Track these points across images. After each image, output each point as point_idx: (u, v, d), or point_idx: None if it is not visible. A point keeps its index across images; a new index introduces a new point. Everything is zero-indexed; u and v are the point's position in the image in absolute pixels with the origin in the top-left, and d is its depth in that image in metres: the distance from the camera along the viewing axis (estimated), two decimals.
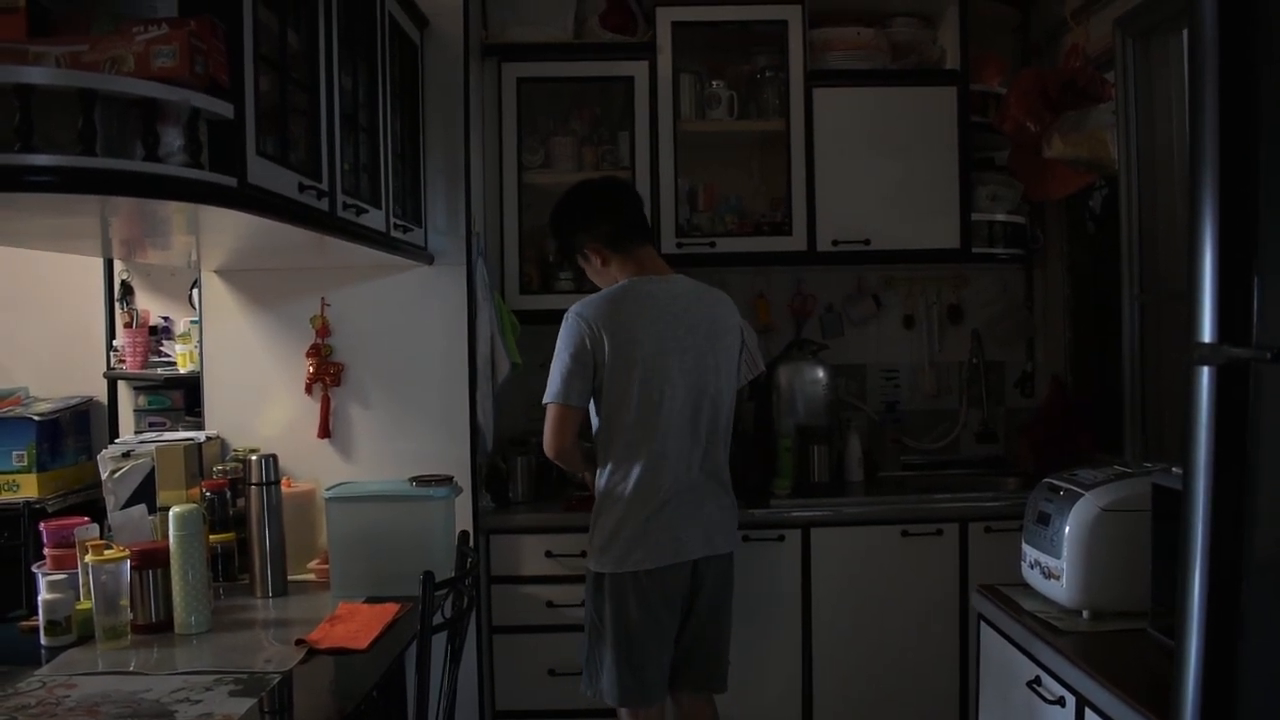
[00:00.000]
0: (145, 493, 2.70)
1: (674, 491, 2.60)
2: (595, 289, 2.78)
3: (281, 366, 2.99)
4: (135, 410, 3.42)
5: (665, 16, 3.47)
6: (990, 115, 3.54)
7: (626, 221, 2.75)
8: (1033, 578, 2.15)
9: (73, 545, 2.26)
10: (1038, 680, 1.95)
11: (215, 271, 2.99)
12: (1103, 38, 3.25)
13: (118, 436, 3.25)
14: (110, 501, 2.70)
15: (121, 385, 3.45)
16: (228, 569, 2.60)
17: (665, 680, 2.67)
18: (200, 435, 2.90)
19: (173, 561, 2.20)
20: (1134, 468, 2.09)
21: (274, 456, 2.58)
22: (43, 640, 2.11)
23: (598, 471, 2.66)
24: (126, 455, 2.74)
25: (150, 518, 2.52)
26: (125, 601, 2.14)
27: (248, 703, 1.77)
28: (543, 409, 3.68)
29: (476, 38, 3.33)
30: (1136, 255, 3.15)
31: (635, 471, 2.59)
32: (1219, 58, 1.27)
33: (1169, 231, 3.10)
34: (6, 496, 3.06)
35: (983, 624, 2.27)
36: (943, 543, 3.23)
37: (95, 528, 2.31)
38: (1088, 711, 1.75)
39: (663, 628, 2.62)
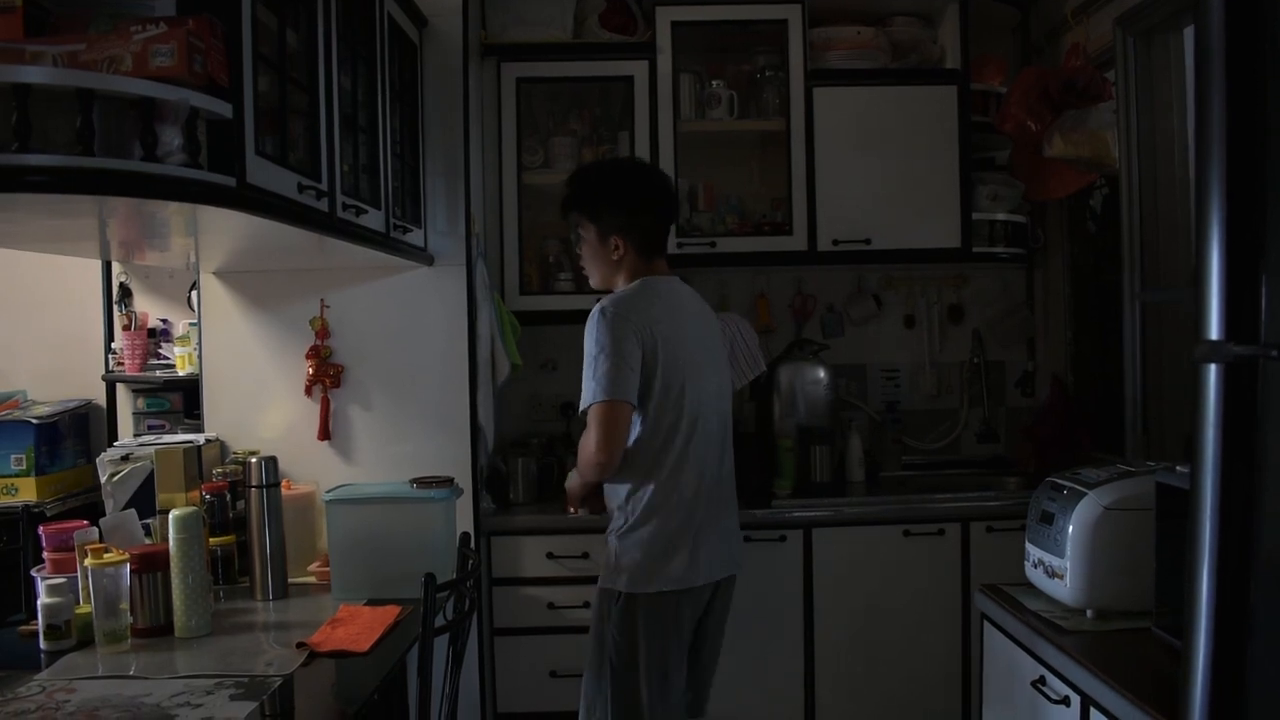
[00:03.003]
0: (145, 496, 2.69)
1: (708, 503, 2.45)
2: (588, 287, 2.69)
3: (281, 368, 2.98)
4: (134, 413, 3.41)
5: (665, 16, 3.47)
6: (991, 114, 3.54)
7: (666, 228, 2.60)
8: (1036, 577, 2.14)
9: (72, 549, 2.25)
10: (1042, 680, 1.94)
11: (214, 273, 2.98)
12: (1103, 36, 3.24)
13: (117, 439, 3.24)
14: (109, 505, 2.69)
15: (120, 388, 3.44)
16: (228, 572, 2.58)
17: None
18: (200, 438, 2.89)
19: (173, 564, 2.19)
20: (1137, 466, 2.09)
21: (274, 459, 2.57)
22: (42, 644, 2.10)
23: (634, 484, 2.40)
24: (125, 458, 2.73)
25: (143, 521, 2.51)
26: (125, 605, 2.13)
27: (249, 706, 1.76)
28: (550, 409, 3.70)
29: (476, 38, 3.33)
30: (1137, 254, 3.15)
31: (682, 481, 2.39)
32: (1226, 53, 1.27)
33: (1170, 230, 3.10)
34: (5, 500, 3.06)
35: (986, 624, 2.26)
36: (944, 542, 3.23)
37: (95, 531, 2.30)
38: (1093, 711, 1.75)
39: (686, 649, 2.47)
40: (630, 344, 2.33)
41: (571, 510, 2.79)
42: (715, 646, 2.60)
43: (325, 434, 2.97)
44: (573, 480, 2.63)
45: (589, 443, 2.36)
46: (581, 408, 2.38)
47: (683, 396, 2.40)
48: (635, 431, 2.40)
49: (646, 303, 2.42)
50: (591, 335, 2.37)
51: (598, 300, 2.47)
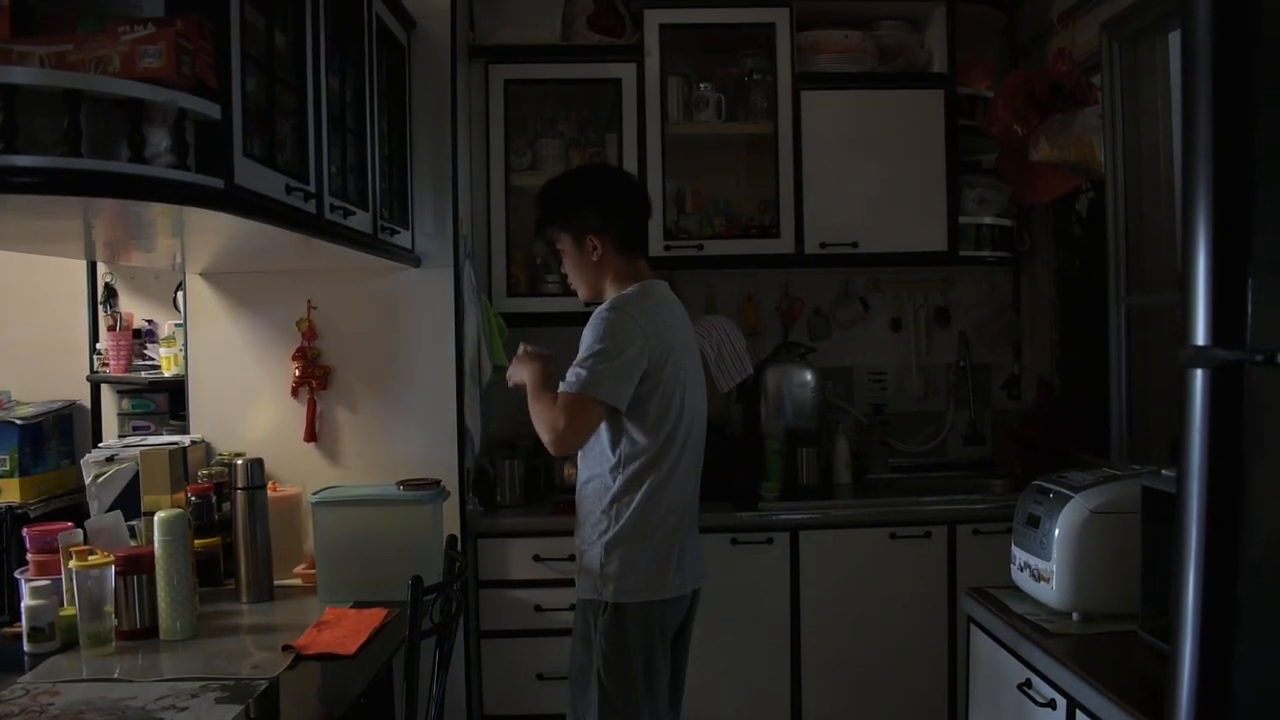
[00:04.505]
0: (130, 497, 2.67)
1: (690, 510, 2.43)
2: (568, 290, 2.62)
3: (267, 370, 2.96)
4: (119, 414, 3.39)
5: (653, 19, 3.47)
6: (978, 118, 3.55)
7: (641, 224, 2.52)
8: (1022, 580, 2.15)
9: (56, 551, 2.24)
10: (1028, 683, 1.95)
11: (200, 274, 2.96)
12: (1089, 41, 3.26)
13: (101, 441, 3.22)
14: (94, 506, 2.68)
15: (105, 389, 3.42)
16: (213, 574, 2.57)
17: None
18: (185, 439, 2.88)
19: (158, 567, 2.18)
20: (1122, 470, 2.10)
21: (259, 460, 2.56)
22: (26, 647, 2.09)
23: (623, 489, 2.31)
24: (110, 460, 2.72)
25: (128, 523, 2.49)
26: (109, 607, 2.12)
27: (234, 710, 1.75)
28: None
29: (464, 39, 3.32)
30: (1122, 258, 3.17)
31: (671, 489, 2.34)
32: (1212, 56, 1.28)
33: (1155, 234, 3.11)
34: None
35: (972, 627, 2.27)
36: (931, 545, 3.24)
37: (79, 533, 2.28)
38: (1078, 714, 1.76)
39: (669, 656, 2.43)
40: (635, 350, 2.26)
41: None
42: (686, 653, 2.55)
43: (311, 436, 2.96)
44: (520, 377, 2.47)
45: (557, 422, 2.28)
46: (561, 388, 2.30)
47: (682, 405, 2.36)
48: (634, 438, 2.32)
49: (655, 309, 2.36)
50: (599, 328, 2.28)
51: (587, 307, 2.41)
